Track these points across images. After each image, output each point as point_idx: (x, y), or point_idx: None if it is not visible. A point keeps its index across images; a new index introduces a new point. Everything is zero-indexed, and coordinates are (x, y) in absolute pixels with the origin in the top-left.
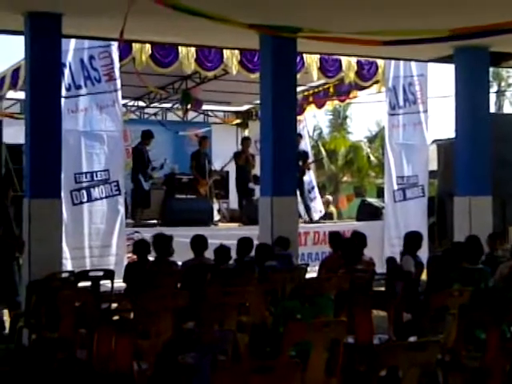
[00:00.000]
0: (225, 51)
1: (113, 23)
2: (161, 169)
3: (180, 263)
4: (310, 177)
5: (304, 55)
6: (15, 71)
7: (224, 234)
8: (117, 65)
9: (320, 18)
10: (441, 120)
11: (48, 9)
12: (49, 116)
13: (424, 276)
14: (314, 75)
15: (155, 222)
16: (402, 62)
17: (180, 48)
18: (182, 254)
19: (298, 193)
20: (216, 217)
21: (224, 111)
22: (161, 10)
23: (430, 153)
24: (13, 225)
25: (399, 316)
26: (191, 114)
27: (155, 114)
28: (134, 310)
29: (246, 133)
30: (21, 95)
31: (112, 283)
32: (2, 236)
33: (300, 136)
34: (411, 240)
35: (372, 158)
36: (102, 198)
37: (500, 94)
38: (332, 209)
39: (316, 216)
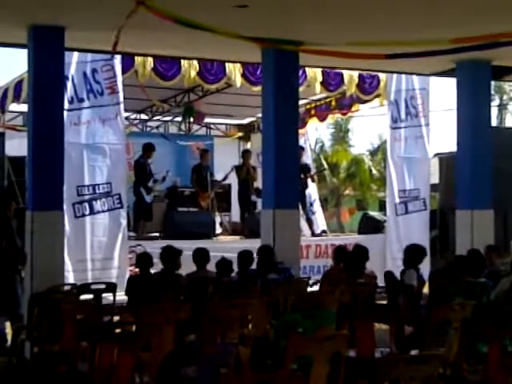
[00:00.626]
0: (227, 64)
1: None
2: (163, 181)
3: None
4: (311, 190)
5: (306, 69)
6: (18, 84)
7: (226, 246)
8: (119, 78)
9: (321, 30)
10: (443, 133)
11: (51, 22)
12: (51, 128)
13: (426, 289)
14: (317, 88)
15: (157, 235)
16: (403, 76)
17: (182, 61)
18: (184, 267)
19: (299, 206)
20: (218, 230)
21: (226, 124)
22: (163, 23)
23: (431, 166)
24: (15, 237)
25: (401, 329)
26: (193, 127)
27: (157, 127)
28: (135, 322)
29: (248, 146)
30: (24, 108)
31: (114, 296)
32: (4, 248)
33: (302, 149)
34: (413, 253)
35: (374, 171)
36: (104, 211)
37: (502, 107)
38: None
39: (318, 229)
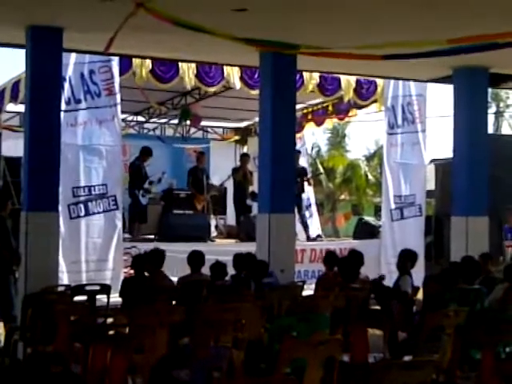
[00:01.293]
0: (225, 67)
1: None
2: (158, 182)
3: (176, 279)
4: (307, 194)
5: (303, 73)
6: (16, 84)
7: (221, 250)
8: (117, 79)
9: (318, 32)
10: (439, 140)
11: (49, 23)
12: (48, 129)
13: (419, 295)
14: (313, 92)
15: (152, 237)
16: (400, 82)
17: (180, 63)
18: (178, 270)
19: (295, 210)
20: (213, 233)
21: (223, 127)
22: (162, 25)
23: (427, 172)
24: (10, 238)
25: (395, 335)
26: (190, 130)
27: (154, 129)
28: (129, 324)
29: (245, 149)
30: (20, 108)
31: (108, 298)
32: None
33: (299, 152)
34: (406, 258)
35: (370, 176)
36: (99, 213)
37: (498, 115)
38: None
39: (313, 234)
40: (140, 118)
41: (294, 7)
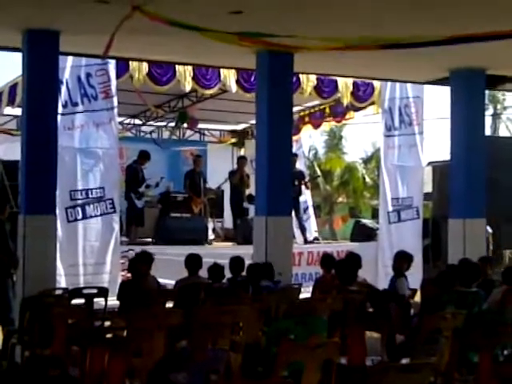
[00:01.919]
0: (222, 70)
1: None
2: (156, 187)
3: (173, 282)
4: (305, 197)
5: (300, 76)
6: (13, 87)
7: (218, 253)
8: (114, 82)
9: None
10: (436, 142)
11: (46, 26)
12: (45, 133)
13: (417, 298)
14: (310, 94)
15: (150, 240)
16: (398, 84)
17: (177, 66)
18: (176, 273)
19: (293, 213)
20: (210, 236)
21: (220, 130)
22: (158, 28)
23: (425, 175)
24: (8, 241)
25: (392, 338)
26: (187, 133)
27: (151, 133)
28: (127, 328)
29: (242, 152)
30: (17, 111)
31: (106, 301)
32: None
33: (296, 156)
34: (401, 259)
35: (367, 179)
36: (96, 216)
37: (496, 116)
38: None
39: (310, 237)
40: (137, 121)
41: (290, 10)
